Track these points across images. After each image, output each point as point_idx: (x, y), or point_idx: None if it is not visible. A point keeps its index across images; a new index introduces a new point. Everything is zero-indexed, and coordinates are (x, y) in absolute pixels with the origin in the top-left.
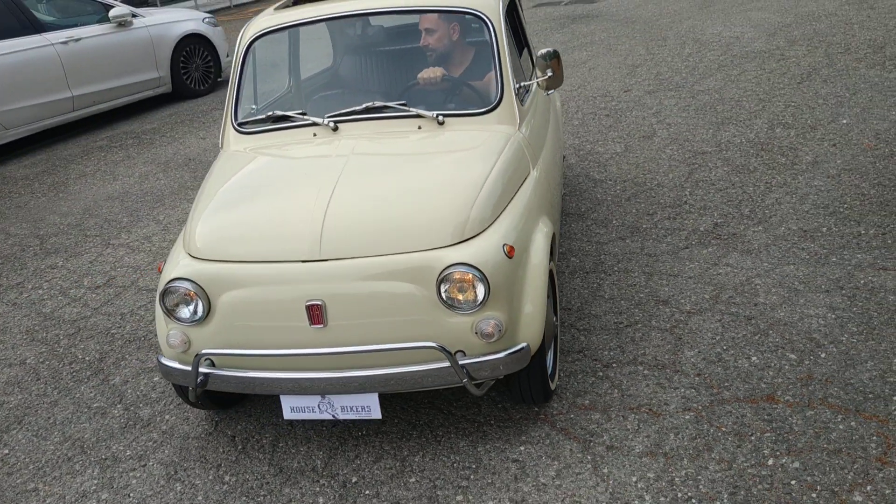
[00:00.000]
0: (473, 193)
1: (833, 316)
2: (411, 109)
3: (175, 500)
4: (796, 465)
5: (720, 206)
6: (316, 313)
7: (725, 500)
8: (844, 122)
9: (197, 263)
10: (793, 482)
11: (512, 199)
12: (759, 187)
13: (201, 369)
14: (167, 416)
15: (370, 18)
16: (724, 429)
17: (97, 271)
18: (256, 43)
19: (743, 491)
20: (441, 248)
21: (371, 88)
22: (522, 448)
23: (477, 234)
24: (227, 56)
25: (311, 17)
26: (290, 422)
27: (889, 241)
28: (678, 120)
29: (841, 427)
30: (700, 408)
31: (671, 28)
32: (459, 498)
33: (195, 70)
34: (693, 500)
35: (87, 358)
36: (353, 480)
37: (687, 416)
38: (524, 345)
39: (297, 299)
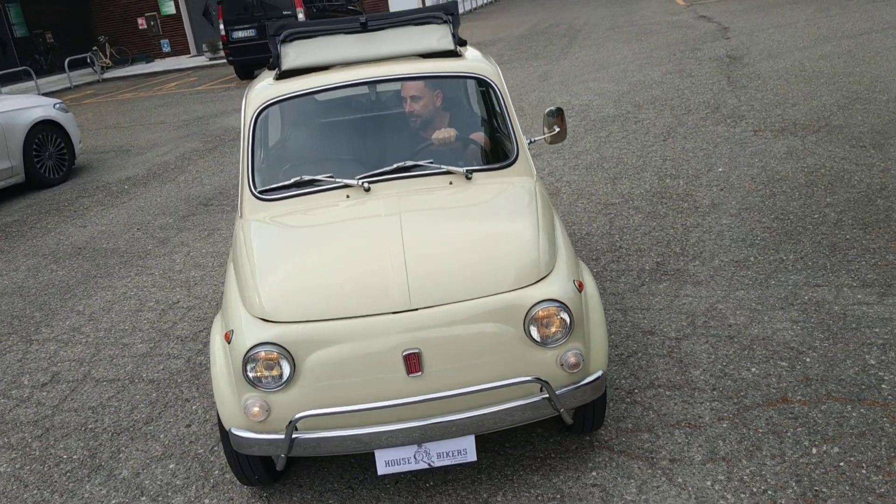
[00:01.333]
0: (535, 237)
1: (798, 327)
2: (442, 166)
3: None
4: (836, 450)
5: (653, 248)
6: (413, 362)
7: (795, 487)
8: (720, 170)
9: (277, 327)
10: (841, 464)
11: (556, 240)
12: (678, 229)
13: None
14: (206, 501)
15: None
16: (760, 430)
17: (33, 369)
18: (264, 112)
19: (805, 478)
20: (523, 287)
21: (379, 150)
22: (595, 473)
23: (549, 273)
24: (80, 143)
25: (321, 85)
26: (350, 485)
27: (809, 263)
28: (574, 178)
29: (854, 415)
30: (731, 416)
31: (523, 99)
32: None
33: (48, 158)
34: (769, 492)
35: (74, 456)
36: None
37: (724, 425)
38: (600, 372)
39: (394, 350)
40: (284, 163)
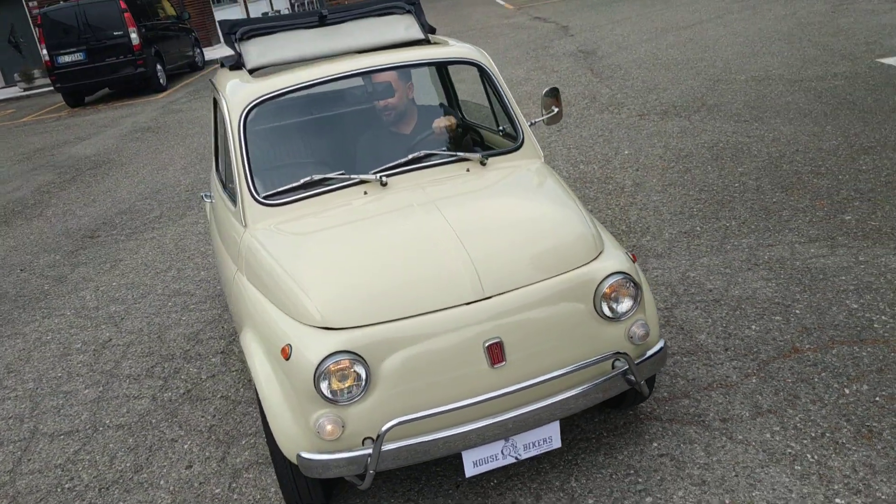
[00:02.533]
0: (580, 214)
1: (773, 284)
2: (458, 154)
3: None
4: (865, 387)
5: None
6: (496, 352)
7: (847, 426)
8: (626, 152)
9: (345, 333)
10: (876, 399)
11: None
12: (615, 210)
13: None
14: None
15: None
16: (789, 381)
17: None
18: (252, 112)
19: (852, 416)
20: (587, 264)
21: (382, 143)
22: (655, 444)
23: (604, 248)
24: None
25: (307, 80)
26: (408, 497)
27: (753, 227)
28: None
29: (864, 354)
30: (755, 371)
31: None
32: (649, 500)
33: None
34: (826, 434)
35: None
36: None
37: (753, 381)
38: (662, 341)
39: (475, 341)
40: (281, 164)
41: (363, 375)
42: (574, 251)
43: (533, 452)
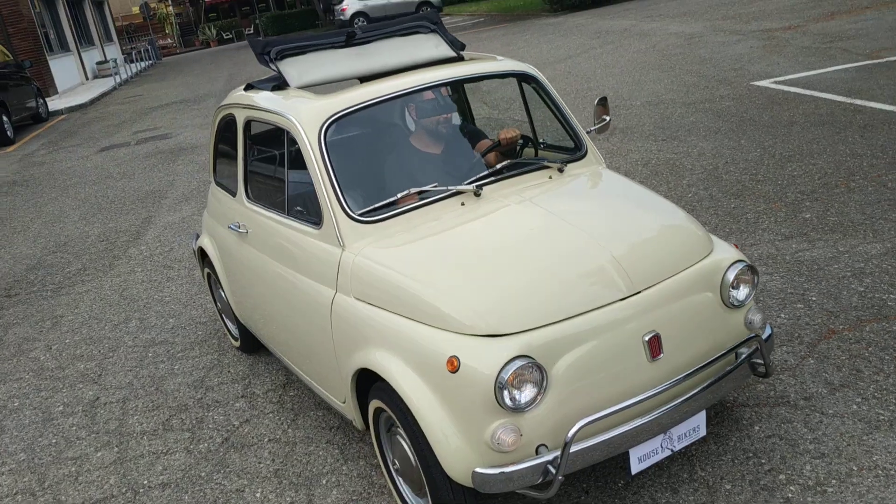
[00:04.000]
0: (683, 211)
1: (778, 278)
2: (542, 161)
3: None
4: None
5: None
6: (654, 345)
7: None
8: None
9: (517, 338)
10: None
11: None
12: None
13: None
14: None
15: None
16: (843, 357)
17: None
18: (330, 128)
19: None
20: (708, 255)
21: (460, 154)
22: (757, 428)
23: (713, 242)
24: None
25: (380, 95)
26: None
27: (727, 230)
28: None
29: (895, 328)
30: (808, 354)
31: None
32: (783, 477)
33: None
34: None
35: None
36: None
37: (811, 362)
38: (770, 326)
39: (635, 335)
40: (367, 180)
41: (540, 380)
42: (695, 244)
43: (685, 443)
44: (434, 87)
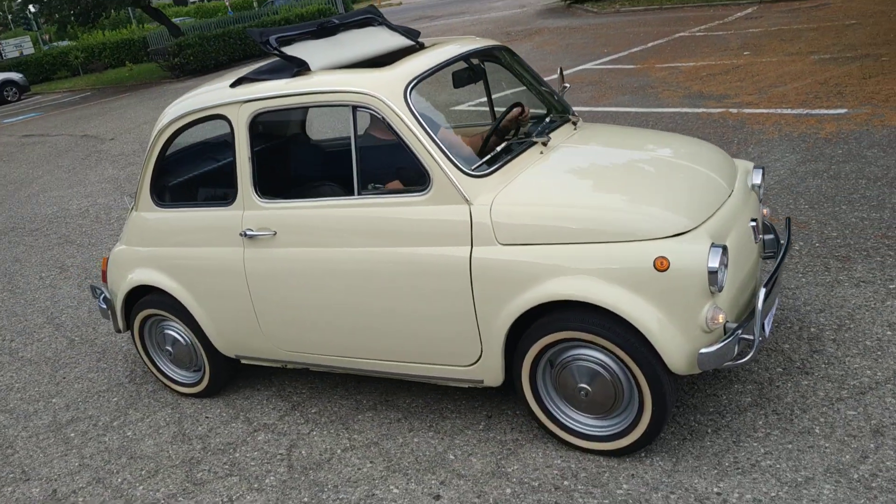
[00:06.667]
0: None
1: None
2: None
3: None
4: None
5: None
6: (756, 229)
7: None
8: None
9: (700, 230)
10: None
11: None
12: None
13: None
14: None
15: None
16: None
17: None
18: (411, 94)
19: None
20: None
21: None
22: (813, 399)
23: None
24: None
25: (441, 60)
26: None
27: None
28: None
29: None
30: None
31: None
32: (820, 438)
33: None
34: None
35: None
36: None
37: None
38: None
39: (746, 222)
40: (453, 141)
41: (727, 262)
42: (725, 155)
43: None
44: (476, 54)
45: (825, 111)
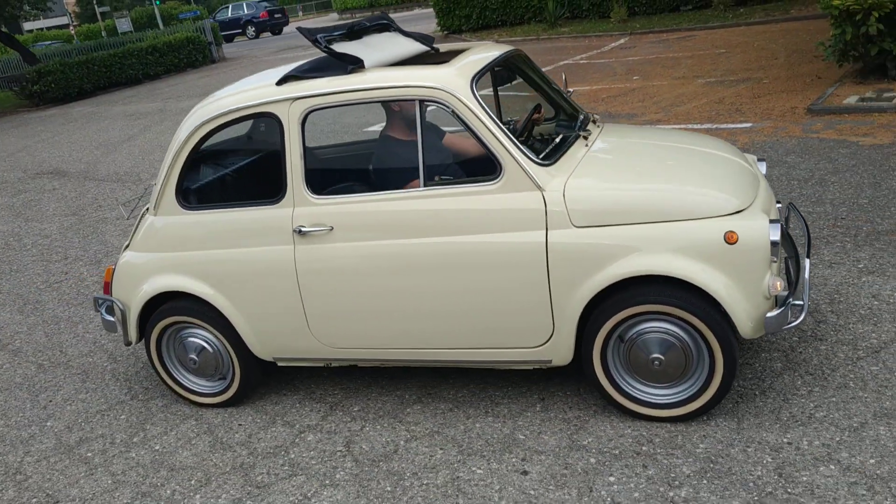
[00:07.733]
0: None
1: None
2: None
3: None
4: None
5: None
6: (781, 208)
7: None
8: None
9: (755, 208)
10: None
11: None
12: None
13: None
14: None
15: None
16: None
17: None
18: (476, 85)
19: None
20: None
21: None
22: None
23: None
24: None
25: (494, 56)
26: None
27: None
28: None
29: None
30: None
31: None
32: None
33: None
34: None
35: None
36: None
37: None
38: None
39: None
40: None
41: (777, 237)
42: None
43: None
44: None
45: (733, 125)
